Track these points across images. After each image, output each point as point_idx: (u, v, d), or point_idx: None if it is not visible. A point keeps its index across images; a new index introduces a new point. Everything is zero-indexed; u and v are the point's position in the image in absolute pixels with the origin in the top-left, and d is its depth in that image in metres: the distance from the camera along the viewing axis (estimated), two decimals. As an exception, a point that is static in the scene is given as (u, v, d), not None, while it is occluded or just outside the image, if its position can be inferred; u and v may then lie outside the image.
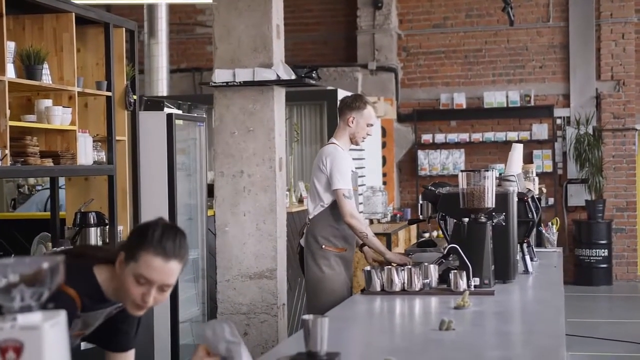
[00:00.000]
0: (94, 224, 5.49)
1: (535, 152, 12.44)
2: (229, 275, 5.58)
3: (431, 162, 12.70)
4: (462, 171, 4.44)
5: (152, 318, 5.83)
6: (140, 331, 2.85)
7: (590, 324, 9.47)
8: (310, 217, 5.24)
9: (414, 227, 11.30)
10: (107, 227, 5.64)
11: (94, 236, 5.51)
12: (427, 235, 11.65)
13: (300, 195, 7.89)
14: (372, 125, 5.31)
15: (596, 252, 12.02)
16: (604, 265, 12.05)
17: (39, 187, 8.23)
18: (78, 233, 5.47)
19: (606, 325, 9.41)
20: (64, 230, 5.70)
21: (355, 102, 5.28)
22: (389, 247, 8.97)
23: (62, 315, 1.82)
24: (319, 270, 5.15)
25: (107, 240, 5.65)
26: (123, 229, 5.86)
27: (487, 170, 4.41)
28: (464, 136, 12.62)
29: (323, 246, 5.15)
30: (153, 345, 5.81)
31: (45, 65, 5.03)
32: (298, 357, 2.65)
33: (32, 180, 8.35)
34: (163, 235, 2.53)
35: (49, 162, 4.99)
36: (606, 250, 12.04)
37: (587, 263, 12.02)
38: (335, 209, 5.13)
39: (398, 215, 11.21)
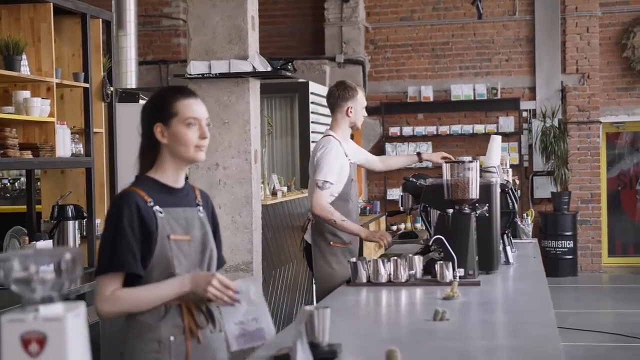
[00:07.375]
0: (72, 217, 5.42)
1: (502, 144, 12.49)
2: (205, 268, 5.54)
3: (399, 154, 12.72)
4: (446, 162, 4.45)
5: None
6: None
7: (557, 314, 9.53)
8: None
9: (383, 220, 11.36)
10: (85, 220, 5.58)
11: (72, 229, 5.43)
12: (403, 227, 11.73)
13: (274, 188, 7.87)
14: (365, 105, 5.44)
15: (562, 243, 12.16)
16: (569, 257, 12.20)
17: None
18: (56, 226, 5.39)
19: (574, 316, 9.53)
20: (40, 223, 5.63)
21: (348, 92, 5.32)
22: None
23: (81, 307, 1.80)
24: (329, 267, 5.12)
25: (86, 234, 5.58)
26: (101, 222, 5.80)
27: (472, 162, 4.43)
28: (432, 129, 12.66)
29: (331, 242, 5.11)
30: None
31: (24, 56, 4.96)
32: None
33: (14, 172, 8.22)
34: (175, 87, 2.88)
35: (28, 155, 4.92)
36: (571, 241, 12.19)
37: (553, 254, 12.15)
38: (338, 203, 5.06)
39: (368, 208, 11.26)
